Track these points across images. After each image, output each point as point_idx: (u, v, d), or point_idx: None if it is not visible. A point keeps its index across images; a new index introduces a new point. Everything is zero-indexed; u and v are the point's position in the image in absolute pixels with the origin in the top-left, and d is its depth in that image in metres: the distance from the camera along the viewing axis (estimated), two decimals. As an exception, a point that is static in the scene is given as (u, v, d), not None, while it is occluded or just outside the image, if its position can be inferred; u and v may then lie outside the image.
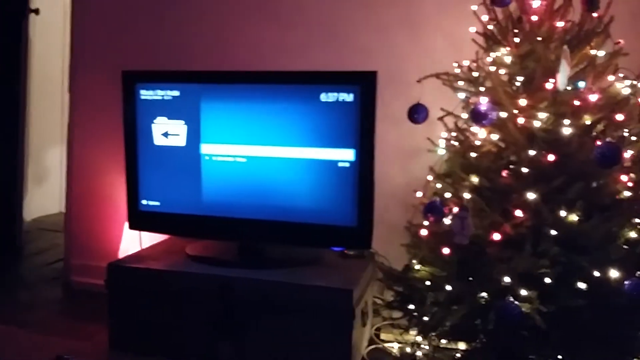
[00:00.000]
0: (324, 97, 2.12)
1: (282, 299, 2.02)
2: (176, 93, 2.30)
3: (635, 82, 1.77)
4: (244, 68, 2.45)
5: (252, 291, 2.05)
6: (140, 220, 2.41)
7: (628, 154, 1.70)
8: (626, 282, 1.53)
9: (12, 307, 2.66)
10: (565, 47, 1.64)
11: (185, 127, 2.29)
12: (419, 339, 2.03)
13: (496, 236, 1.67)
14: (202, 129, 2.26)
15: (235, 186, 2.26)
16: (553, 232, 1.63)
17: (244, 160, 2.23)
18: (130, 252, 2.58)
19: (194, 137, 2.28)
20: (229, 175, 2.26)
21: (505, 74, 1.82)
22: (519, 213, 1.67)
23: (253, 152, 2.22)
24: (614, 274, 1.59)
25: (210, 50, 2.72)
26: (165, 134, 2.32)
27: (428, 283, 1.88)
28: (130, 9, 2.86)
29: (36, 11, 3.68)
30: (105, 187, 2.90)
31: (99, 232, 2.94)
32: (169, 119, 2.31)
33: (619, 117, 1.64)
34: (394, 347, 2.17)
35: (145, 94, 2.33)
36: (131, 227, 2.46)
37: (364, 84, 2.08)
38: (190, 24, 2.76)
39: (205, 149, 2.27)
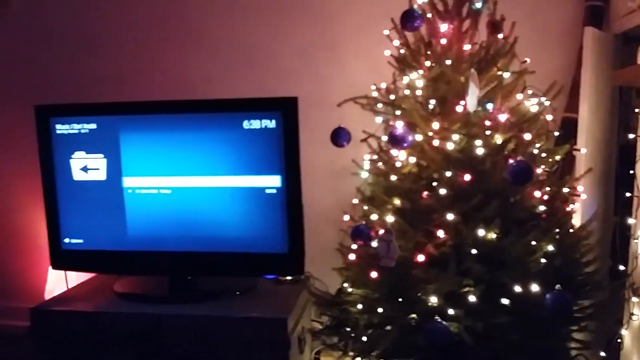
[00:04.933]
0: (246, 124, 2.10)
1: (216, 334, 1.98)
2: (93, 126, 2.22)
3: (542, 99, 1.84)
4: (164, 98, 2.39)
5: (184, 327, 2.00)
6: (63, 259, 2.31)
7: (540, 170, 1.76)
8: (547, 296, 1.57)
9: None
10: (472, 70, 1.68)
11: (105, 160, 2.21)
12: (358, 360, 2.03)
13: (420, 257, 1.70)
14: (122, 161, 2.20)
15: (162, 219, 2.20)
16: (474, 251, 1.67)
17: (168, 192, 2.18)
18: (56, 293, 2.47)
19: (114, 170, 2.21)
20: (154, 208, 2.20)
21: (419, 96, 1.85)
22: (440, 233, 1.70)
23: (178, 183, 2.17)
24: (534, 288, 1.64)
25: (127, 80, 2.65)
26: (85, 169, 2.23)
27: (360, 306, 1.88)
28: (42, 42, 2.75)
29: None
30: (27, 225, 2.78)
31: (22, 271, 2.82)
32: (87, 153, 2.23)
33: (527, 136, 1.70)
34: (333, 370, 2.16)
35: (61, 129, 2.24)
36: (54, 267, 2.36)
37: (286, 109, 2.07)
38: (107, 55, 2.69)
39: (128, 182, 2.20)
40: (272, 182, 2.10)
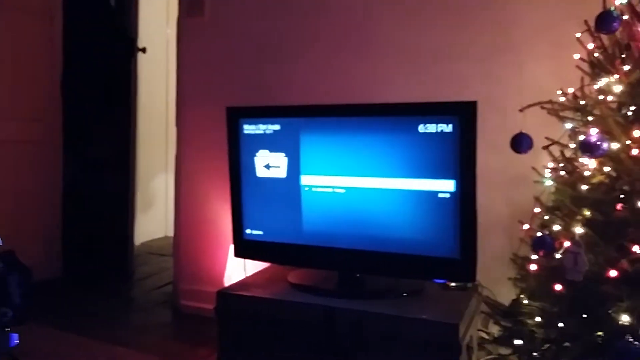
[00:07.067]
0: (421, 128, 2.12)
1: (386, 331, 2.01)
2: (277, 127, 2.38)
3: None
4: (341, 101, 2.51)
5: (354, 322, 2.06)
6: (245, 248, 2.50)
7: None
8: None
9: (127, 330, 2.86)
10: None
11: (286, 159, 2.36)
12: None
13: (613, 273, 1.60)
14: (301, 161, 2.33)
15: (335, 216, 2.30)
16: (677, 270, 1.54)
17: (342, 191, 2.27)
18: (234, 279, 2.69)
19: (294, 169, 2.34)
20: (329, 206, 2.30)
21: (614, 102, 1.75)
22: (636, 249, 1.59)
23: (352, 183, 2.25)
24: None
25: (307, 85, 2.82)
26: (267, 166, 2.40)
27: (538, 319, 1.82)
28: (232, 48, 3.02)
29: (143, 50, 3.97)
30: (210, 215, 3.06)
31: (205, 257, 3.10)
32: (270, 151, 2.39)
33: None
34: (500, 382, 2.12)
35: (248, 129, 2.43)
36: (237, 255, 2.55)
37: (463, 114, 2.05)
38: (289, 61, 2.88)
39: (305, 180, 2.33)
40: (446, 186, 2.09)
